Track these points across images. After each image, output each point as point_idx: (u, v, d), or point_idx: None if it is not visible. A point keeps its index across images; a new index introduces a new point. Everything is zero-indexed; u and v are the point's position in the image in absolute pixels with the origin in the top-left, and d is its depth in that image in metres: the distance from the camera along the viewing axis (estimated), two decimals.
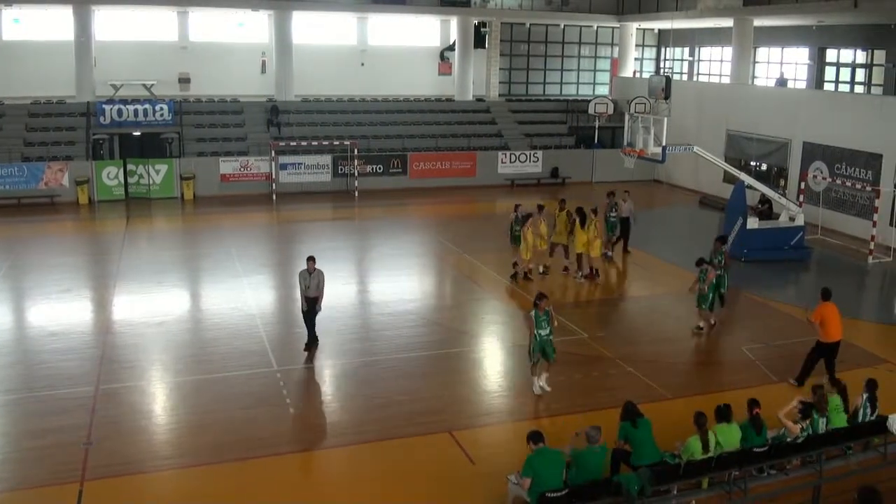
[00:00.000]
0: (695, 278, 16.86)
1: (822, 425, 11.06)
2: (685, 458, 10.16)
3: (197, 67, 36.53)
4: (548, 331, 13.50)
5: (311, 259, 15.56)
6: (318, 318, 15.65)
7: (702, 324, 17.03)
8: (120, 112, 32.00)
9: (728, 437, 10.47)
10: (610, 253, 22.44)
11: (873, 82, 32.00)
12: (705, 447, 10.20)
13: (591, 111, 36.84)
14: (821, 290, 14.43)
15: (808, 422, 10.90)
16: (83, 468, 11.12)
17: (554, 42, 43.08)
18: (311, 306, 15.55)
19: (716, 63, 40.03)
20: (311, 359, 15.23)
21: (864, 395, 11.58)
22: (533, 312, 13.49)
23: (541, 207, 20.78)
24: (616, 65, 42.22)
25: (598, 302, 19.47)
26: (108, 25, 35.50)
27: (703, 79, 40.78)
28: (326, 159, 32.71)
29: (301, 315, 15.78)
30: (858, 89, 32.47)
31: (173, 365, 15.04)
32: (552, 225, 21.05)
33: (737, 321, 18.54)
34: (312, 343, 15.61)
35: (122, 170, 30.33)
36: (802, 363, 14.23)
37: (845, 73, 33.41)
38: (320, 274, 15.51)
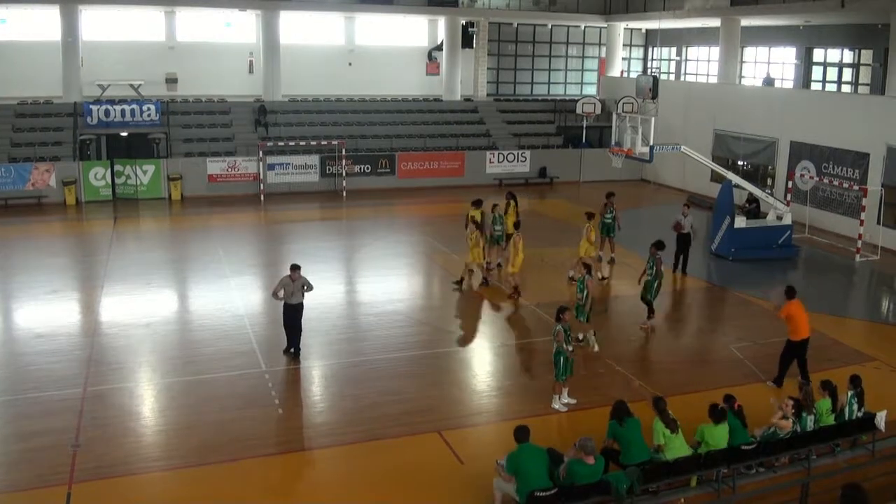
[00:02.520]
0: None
1: (810, 423, 11.13)
2: (660, 442, 10.36)
3: (184, 67, 36.37)
4: (571, 346, 13.32)
5: (294, 267, 14.99)
6: (306, 317, 15.38)
7: (581, 335, 16.04)
8: (107, 112, 31.84)
9: (717, 436, 10.55)
10: (600, 253, 22.45)
11: (860, 82, 32.19)
12: (671, 426, 10.36)
13: (578, 111, 36.99)
14: (785, 288, 14.43)
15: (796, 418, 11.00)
16: (71, 470, 11.05)
17: (541, 42, 43.15)
18: (294, 314, 15.10)
19: (703, 63, 40.21)
20: (298, 359, 15.16)
21: (850, 392, 11.66)
22: (560, 327, 13.07)
23: (590, 215, 20.54)
24: (604, 65, 42.36)
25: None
26: (95, 25, 35.29)
27: (690, 78, 40.93)
28: (314, 159, 32.64)
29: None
30: (845, 89, 32.65)
31: (161, 366, 14.96)
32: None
33: (725, 320, 18.65)
34: (292, 348, 15.30)
35: (109, 170, 30.18)
36: (778, 365, 14.32)
37: (832, 73, 33.61)
38: (303, 280, 15.02)
